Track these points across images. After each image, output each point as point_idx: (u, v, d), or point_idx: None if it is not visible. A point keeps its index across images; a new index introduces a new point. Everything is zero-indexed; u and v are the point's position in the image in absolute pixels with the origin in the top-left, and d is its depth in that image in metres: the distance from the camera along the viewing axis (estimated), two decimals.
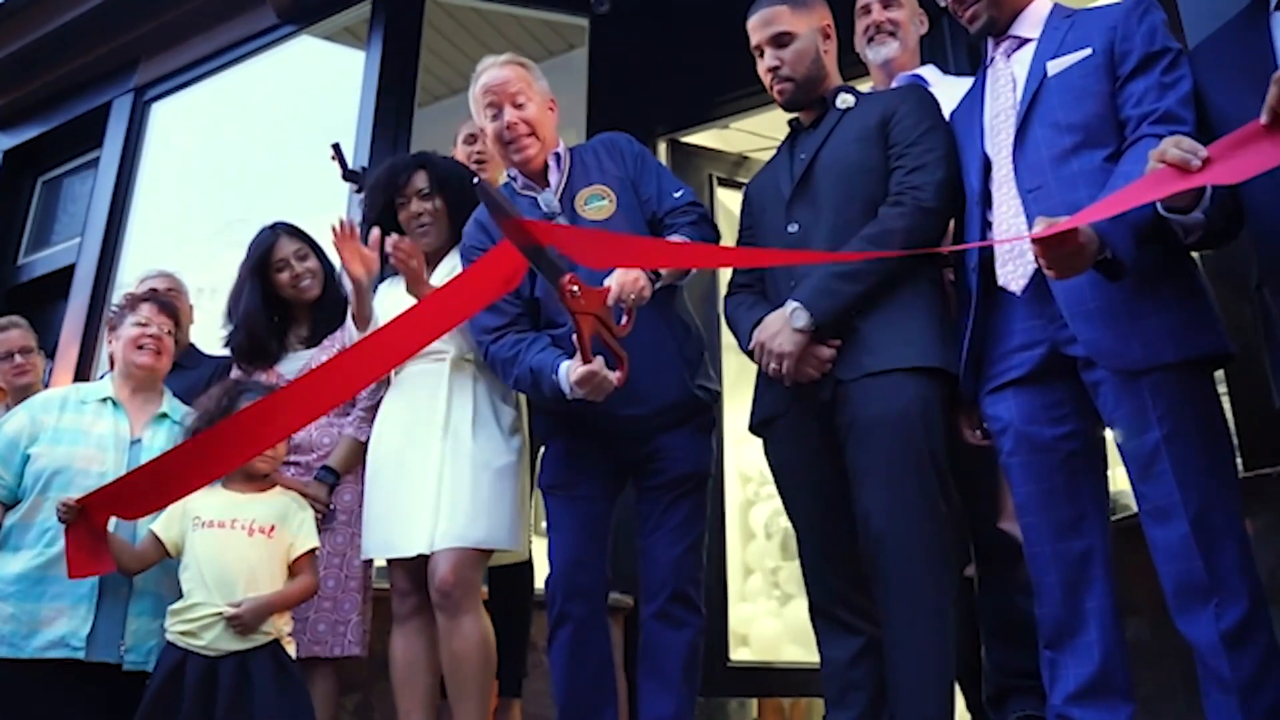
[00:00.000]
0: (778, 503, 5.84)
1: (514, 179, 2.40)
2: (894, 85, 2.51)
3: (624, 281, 2.02)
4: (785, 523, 5.74)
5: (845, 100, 2.15)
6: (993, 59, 1.98)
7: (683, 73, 3.78)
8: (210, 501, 2.36)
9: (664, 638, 2.17)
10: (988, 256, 1.87)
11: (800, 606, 5.61)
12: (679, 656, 2.16)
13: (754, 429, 2.18)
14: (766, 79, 2.17)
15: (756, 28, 2.17)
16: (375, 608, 2.64)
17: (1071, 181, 1.76)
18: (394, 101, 3.89)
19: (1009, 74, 1.92)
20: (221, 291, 3.18)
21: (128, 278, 4.29)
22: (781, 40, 2.13)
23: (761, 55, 2.17)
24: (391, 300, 2.51)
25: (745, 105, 3.75)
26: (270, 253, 2.76)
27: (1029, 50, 1.91)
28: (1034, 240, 1.59)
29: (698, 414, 2.26)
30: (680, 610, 2.18)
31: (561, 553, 2.21)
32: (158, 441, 2.56)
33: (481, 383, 2.43)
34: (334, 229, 2.46)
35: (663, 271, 2.11)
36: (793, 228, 2.07)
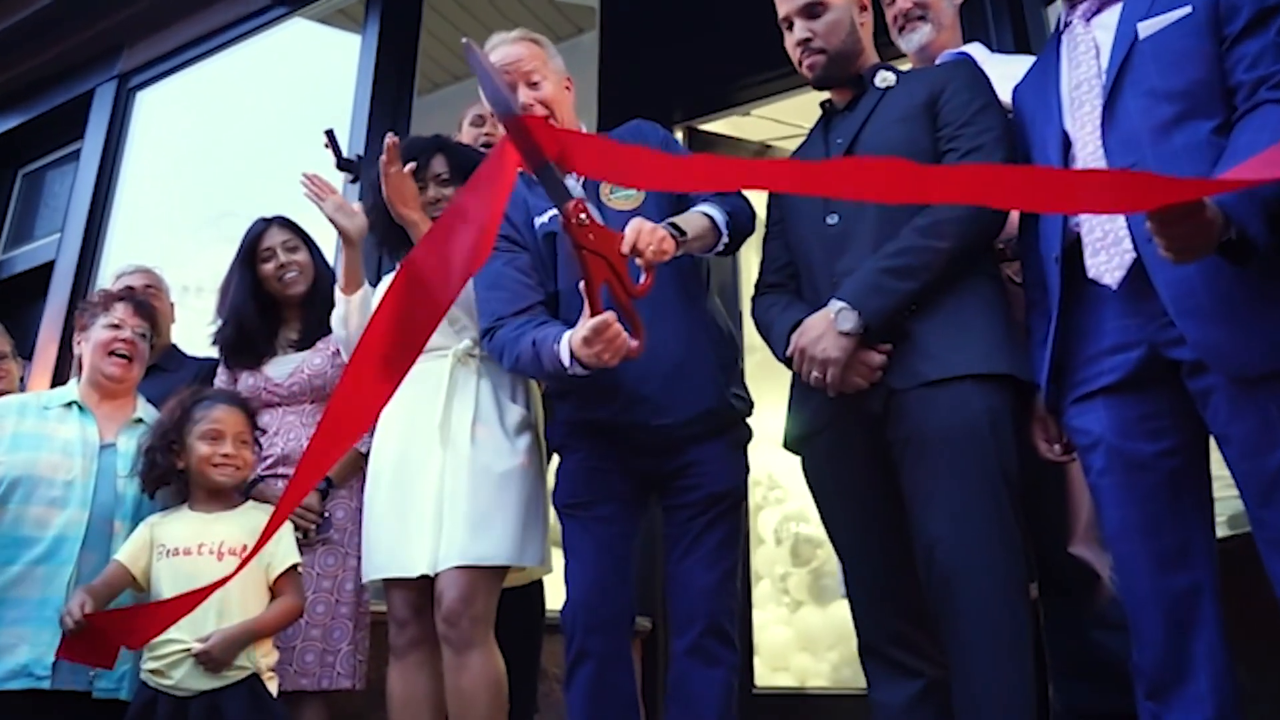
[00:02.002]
0: (787, 508, 5.69)
1: None
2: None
3: (642, 229, 1.74)
4: (795, 528, 5.66)
5: (885, 78, 1.93)
6: (1068, 24, 1.77)
7: (700, 56, 3.55)
8: (175, 527, 2.14)
9: (698, 676, 1.93)
10: (1073, 245, 1.64)
11: (810, 613, 5.47)
12: (714, 698, 1.92)
13: (790, 445, 1.95)
14: (795, 54, 1.95)
15: None
16: (372, 632, 2.40)
17: (1173, 157, 1.54)
18: (392, 89, 3.69)
19: (1090, 40, 1.71)
20: (209, 290, 2.97)
21: (110, 275, 4.09)
22: (813, 10, 1.92)
23: (790, 28, 1.95)
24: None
25: (767, 91, 3.53)
26: (258, 241, 2.58)
27: (1113, 12, 1.69)
28: (1152, 215, 1.35)
29: (732, 426, 2.05)
30: (715, 645, 1.94)
31: (580, 581, 1.98)
32: (134, 447, 2.34)
33: (486, 380, 2.20)
34: (305, 181, 2.29)
35: (687, 233, 1.86)
36: (832, 219, 1.85)
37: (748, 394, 2.09)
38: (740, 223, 2.00)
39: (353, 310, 2.29)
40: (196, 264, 3.72)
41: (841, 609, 5.27)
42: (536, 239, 2.07)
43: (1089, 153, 1.63)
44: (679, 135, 3.69)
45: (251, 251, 2.58)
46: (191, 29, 4.25)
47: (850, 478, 1.84)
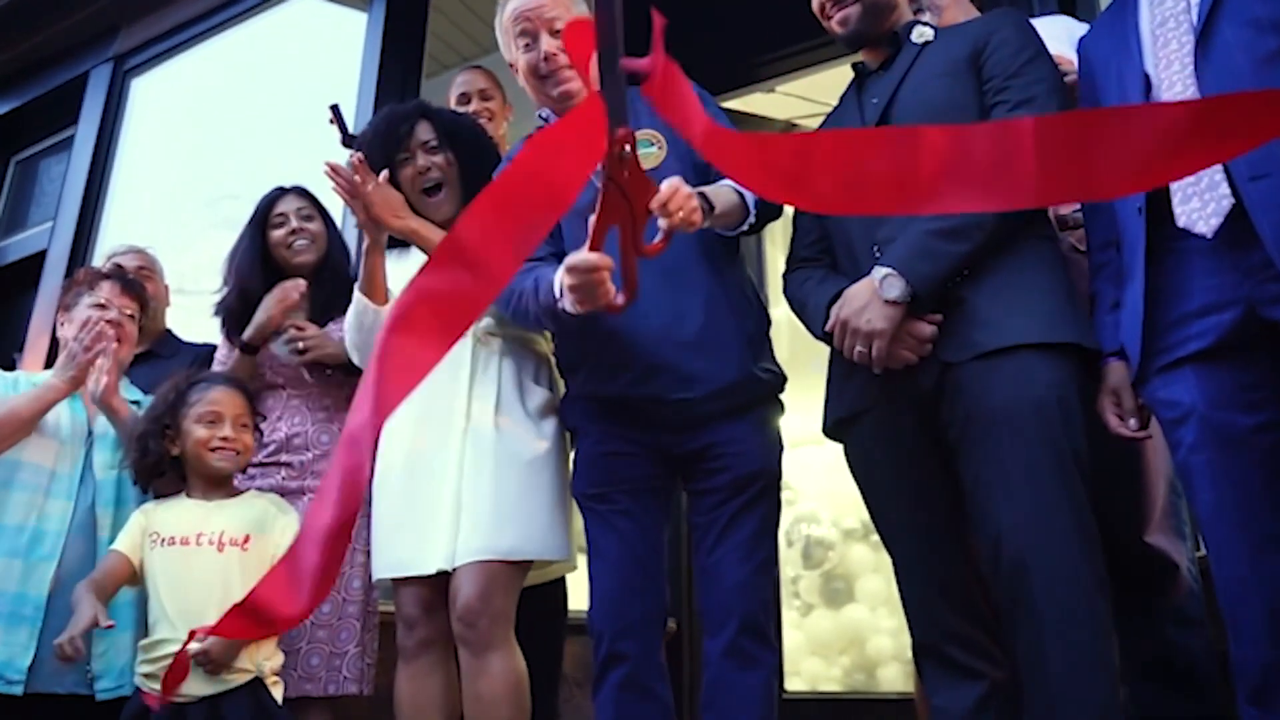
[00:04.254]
0: (799, 509, 5.55)
1: (546, 120, 2.01)
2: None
3: (680, 190, 1.55)
4: (807, 530, 5.52)
5: (923, 33, 1.79)
6: None
7: (721, 30, 3.40)
8: (171, 514, 1.98)
9: (735, 681, 1.76)
10: (1157, 195, 1.49)
11: (822, 617, 5.34)
12: (754, 703, 1.76)
13: (830, 431, 1.80)
14: (827, 11, 1.81)
15: None
16: (381, 634, 2.24)
17: None
18: (399, 70, 3.54)
19: None
20: (207, 276, 2.81)
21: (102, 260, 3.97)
22: None
23: None
24: (393, 274, 2.14)
25: (792, 66, 3.38)
26: (271, 206, 2.43)
27: None
28: None
29: (762, 401, 1.89)
30: (753, 645, 1.77)
31: (605, 582, 1.82)
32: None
33: (509, 360, 2.04)
34: (329, 173, 2.04)
35: (715, 207, 1.70)
36: None
37: (779, 367, 1.92)
38: (769, 204, 1.85)
39: (370, 314, 2.07)
40: (194, 251, 3.58)
41: (853, 612, 5.17)
42: None
43: (1176, 93, 1.49)
44: None
45: (264, 217, 2.43)
46: (189, 8, 4.11)
47: (900, 463, 1.69)
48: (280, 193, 2.47)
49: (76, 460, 2.14)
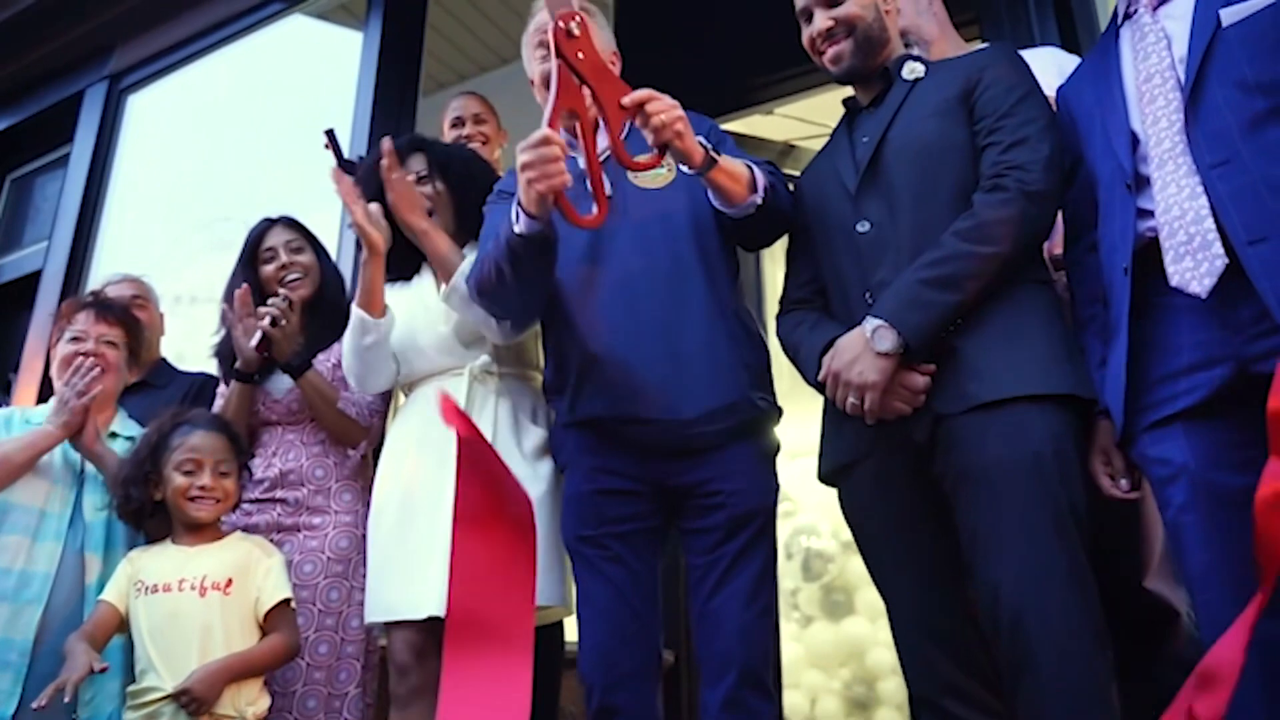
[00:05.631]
0: (798, 520, 5.54)
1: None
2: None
3: (659, 96, 1.58)
4: (806, 542, 5.50)
5: (913, 69, 1.78)
6: (1133, 12, 1.62)
7: (720, 51, 3.38)
8: (155, 561, 1.97)
9: None
10: (1145, 252, 1.49)
11: (822, 629, 5.32)
12: None
13: (825, 478, 1.78)
14: (817, 47, 1.80)
15: None
16: (380, 671, 2.21)
17: (1270, 153, 1.39)
18: (395, 88, 3.51)
19: (1159, 30, 1.56)
20: (202, 299, 2.80)
21: (100, 282, 3.93)
22: None
23: (809, 20, 1.80)
24: (395, 304, 2.15)
25: (792, 89, 3.35)
26: (260, 242, 2.41)
27: (1184, 2, 1.54)
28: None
29: (758, 431, 1.84)
30: (753, 698, 1.74)
31: (596, 632, 1.79)
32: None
33: (505, 399, 2.04)
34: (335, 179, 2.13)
35: (719, 161, 1.67)
36: (863, 226, 1.69)
37: (775, 400, 1.89)
38: (779, 195, 1.80)
39: (370, 332, 2.08)
40: (190, 272, 3.57)
41: (853, 625, 5.16)
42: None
43: (1165, 150, 1.48)
44: None
45: (253, 253, 2.41)
46: (185, 27, 4.09)
47: (895, 513, 1.67)
48: (267, 225, 2.44)
49: (67, 501, 2.12)
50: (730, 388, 1.78)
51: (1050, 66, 2.07)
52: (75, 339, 2.24)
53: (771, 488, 1.84)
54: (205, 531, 2.01)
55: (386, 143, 2.08)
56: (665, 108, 1.59)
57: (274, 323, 2.20)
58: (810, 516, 5.32)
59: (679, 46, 3.42)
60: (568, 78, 1.56)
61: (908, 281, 1.58)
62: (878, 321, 1.57)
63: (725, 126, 3.51)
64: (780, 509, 4.46)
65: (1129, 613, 1.80)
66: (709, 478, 1.78)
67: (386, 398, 2.34)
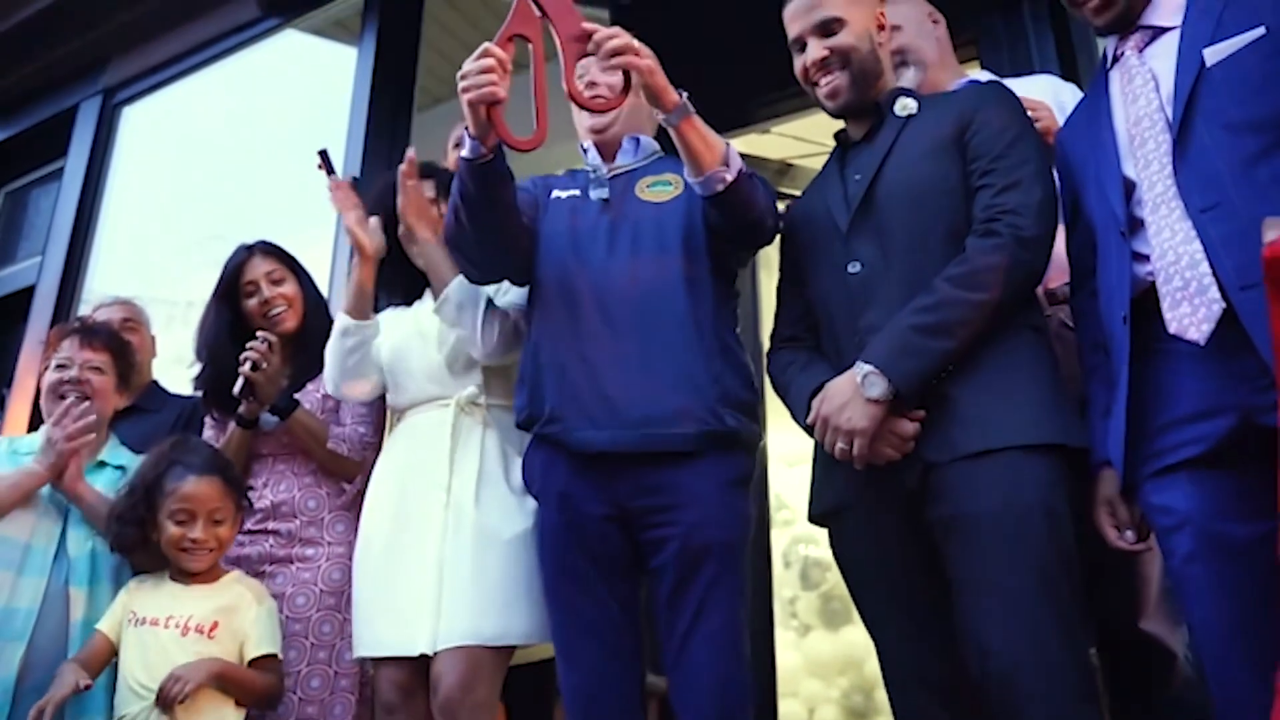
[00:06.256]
0: (797, 529, 5.51)
1: (584, 150, 2.02)
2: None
3: (615, 33, 1.61)
4: (804, 551, 5.48)
5: (906, 105, 1.76)
6: (1121, 55, 1.60)
7: (716, 71, 3.34)
8: (150, 595, 1.96)
9: None
10: (1144, 298, 1.47)
11: (820, 638, 5.31)
12: None
13: (815, 520, 1.77)
14: (811, 78, 1.78)
15: (798, 15, 1.78)
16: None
17: (1262, 194, 1.37)
18: (390, 104, 3.50)
19: (1146, 72, 1.53)
20: (198, 315, 2.76)
21: (94, 297, 3.91)
22: (829, 27, 1.75)
23: (802, 49, 1.78)
24: (390, 327, 2.15)
25: (789, 108, 3.33)
26: (239, 274, 2.35)
27: (1169, 40, 1.53)
28: (1269, 256, 1.17)
29: (723, 449, 1.74)
30: None
31: (575, 672, 1.76)
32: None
33: (492, 431, 2.01)
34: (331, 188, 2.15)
35: (692, 112, 1.66)
36: (854, 267, 1.67)
37: (753, 420, 1.81)
38: (755, 189, 1.73)
39: (351, 335, 2.09)
40: (185, 288, 3.55)
41: (852, 634, 5.13)
42: (546, 200, 1.97)
43: (1158, 194, 1.46)
44: None
45: (232, 285, 2.36)
46: (179, 42, 4.07)
47: (886, 560, 1.65)
48: (246, 255, 2.39)
49: (52, 535, 2.08)
50: (693, 396, 1.72)
51: (1047, 94, 2.06)
52: (60, 366, 2.21)
53: (737, 520, 1.74)
54: (201, 572, 1.99)
55: (411, 152, 2.08)
56: (626, 44, 1.60)
57: (255, 367, 2.16)
58: (808, 525, 5.29)
59: (675, 65, 3.37)
60: (525, 5, 1.60)
61: (899, 327, 1.56)
62: (868, 367, 1.55)
63: None
64: (779, 517, 4.41)
65: (1126, 654, 1.80)
66: (666, 504, 1.71)
67: (379, 429, 2.32)
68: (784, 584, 5.13)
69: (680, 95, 1.65)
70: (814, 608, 5.31)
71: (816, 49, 1.75)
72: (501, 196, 1.77)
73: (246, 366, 2.15)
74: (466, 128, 1.66)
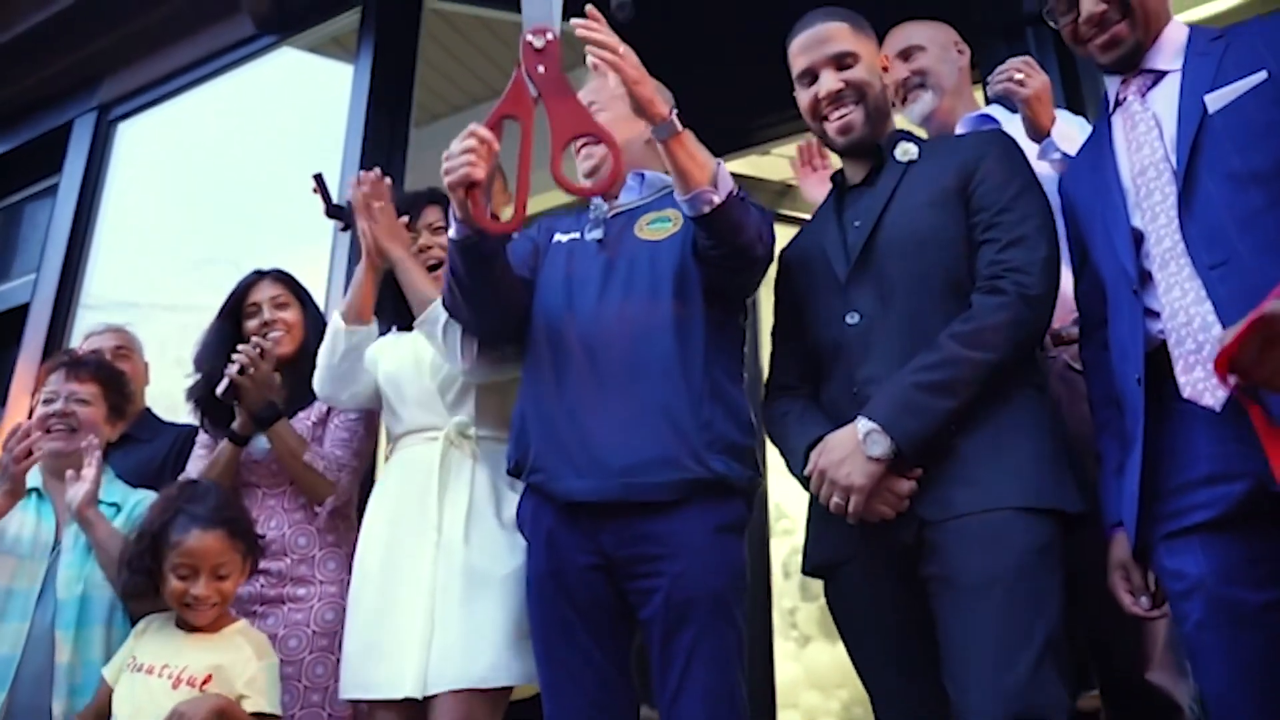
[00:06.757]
0: (796, 539, 5.50)
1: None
2: (961, 130, 2.10)
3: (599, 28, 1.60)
4: None
5: (907, 151, 1.73)
6: (1122, 100, 1.56)
7: (716, 92, 3.31)
8: (154, 641, 1.93)
9: None
10: (1158, 355, 1.43)
11: (820, 649, 5.28)
12: None
13: (809, 572, 1.74)
14: (822, 111, 1.73)
15: (809, 47, 1.75)
16: None
17: (1270, 250, 1.34)
18: (387, 121, 3.45)
19: (1150, 118, 1.50)
20: (193, 337, 2.73)
21: (89, 316, 3.86)
22: (844, 61, 1.72)
23: (811, 82, 1.74)
24: (388, 351, 2.13)
25: (788, 130, 3.29)
26: (245, 295, 2.37)
27: (1170, 85, 1.50)
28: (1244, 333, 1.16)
29: (711, 497, 1.68)
30: None
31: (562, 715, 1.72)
32: (83, 543, 2.09)
33: (482, 465, 1.99)
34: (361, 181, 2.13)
35: (680, 129, 1.60)
36: (852, 318, 1.64)
37: (748, 464, 1.73)
38: (747, 212, 1.64)
39: (342, 341, 2.09)
40: (180, 309, 3.51)
41: None
42: (547, 245, 1.95)
43: (1165, 249, 1.43)
44: None
45: (237, 305, 2.38)
46: (175, 58, 4.02)
47: (880, 613, 1.63)
48: (256, 278, 2.41)
49: (36, 577, 2.04)
50: (677, 443, 1.66)
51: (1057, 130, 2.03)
52: (47, 400, 2.19)
53: (725, 569, 1.67)
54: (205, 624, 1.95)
55: (376, 172, 2.10)
56: (598, 29, 1.57)
57: (242, 370, 2.17)
58: None
59: (675, 87, 3.34)
60: (520, 86, 1.59)
61: (902, 384, 1.54)
62: (871, 425, 1.52)
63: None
64: (779, 526, 4.38)
65: (1131, 706, 1.77)
66: (651, 554, 1.66)
67: (360, 455, 2.30)
68: (784, 594, 5.10)
69: (669, 109, 1.60)
70: (814, 619, 5.29)
71: (832, 80, 1.71)
72: (492, 273, 1.74)
73: (234, 369, 2.16)
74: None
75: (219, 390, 2.17)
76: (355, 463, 2.27)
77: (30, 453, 2.05)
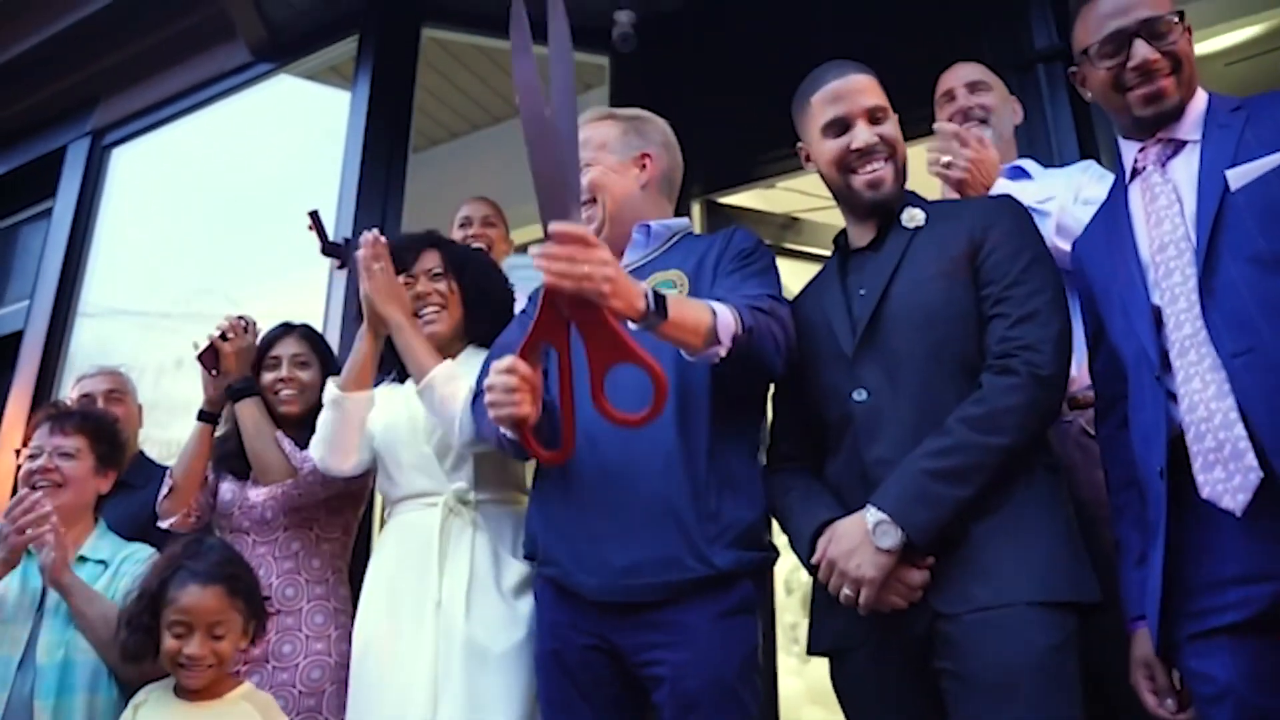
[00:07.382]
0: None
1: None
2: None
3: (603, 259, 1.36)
4: (806, 577, 5.41)
5: (914, 216, 1.67)
6: (1141, 169, 1.50)
7: (720, 123, 3.27)
8: (152, 713, 1.86)
9: None
10: (1181, 443, 1.36)
11: (822, 665, 5.21)
12: None
13: (815, 653, 1.68)
14: (853, 163, 1.66)
15: (842, 97, 1.69)
16: None
17: None
18: (385, 149, 3.42)
19: (1170, 191, 1.44)
20: (187, 365, 2.69)
21: (84, 341, 3.86)
22: (878, 115, 1.67)
23: (840, 132, 1.67)
24: (381, 405, 2.09)
25: (794, 164, 3.20)
26: (270, 347, 2.37)
27: (1190, 156, 1.44)
28: None
29: (720, 587, 1.61)
30: None
31: None
32: (66, 606, 2.01)
33: (482, 532, 1.94)
34: (367, 240, 2.07)
35: (669, 314, 1.44)
36: (859, 395, 1.58)
37: (762, 546, 1.67)
38: (758, 341, 1.55)
39: (336, 408, 2.04)
40: (176, 338, 3.46)
41: None
42: None
43: (1185, 335, 1.36)
44: (695, 209, 3.38)
45: (260, 355, 2.37)
46: (170, 84, 3.99)
47: (886, 700, 1.57)
48: (284, 332, 2.41)
49: (19, 641, 1.97)
50: (679, 541, 1.60)
51: (1071, 185, 1.99)
52: (32, 456, 2.14)
53: (730, 656, 1.60)
54: (209, 689, 1.87)
55: (375, 233, 2.06)
56: (564, 255, 1.32)
57: (224, 337, 2.21)
58: None
59: (679, 122, 3.28)
60: (551, 317, 1.38)
61: (912, 470, 1.47)
62: (880, 515, 1.46)
63: (725, 200, 3.45)
64: (781, 541, 4.36)
65: None
66: (652, 643, 1.60)
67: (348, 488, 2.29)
68: (786, 610, 5.05)
69: (647, 298, 1.42)
70: None
71: (868, 134, 1.66)
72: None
73: (216, 333, 2.23)
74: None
75: (197, 353, 2.23)
76: (318, 475, 2.20)
77: (25, 533, 1.98)
